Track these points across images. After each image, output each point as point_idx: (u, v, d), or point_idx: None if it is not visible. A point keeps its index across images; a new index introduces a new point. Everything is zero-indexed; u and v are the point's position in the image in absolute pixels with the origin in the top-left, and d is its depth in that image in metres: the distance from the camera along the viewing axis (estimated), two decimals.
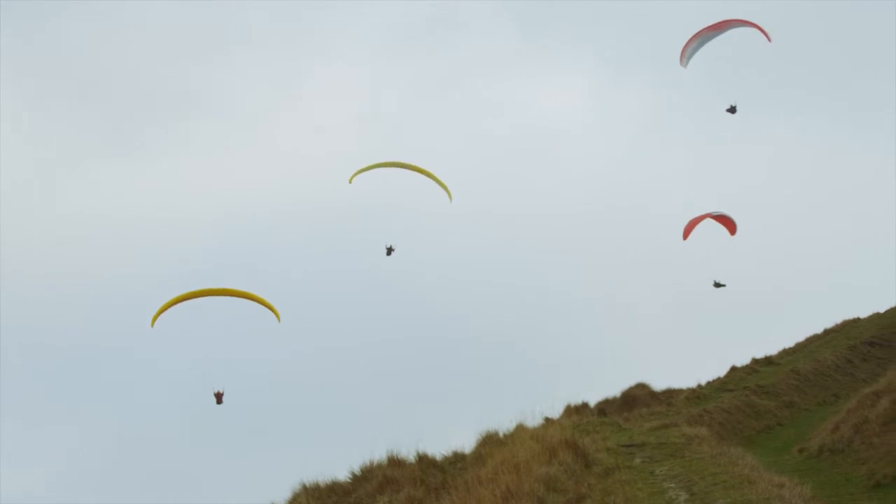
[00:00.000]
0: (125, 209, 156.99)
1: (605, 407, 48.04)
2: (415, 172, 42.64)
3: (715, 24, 39.89)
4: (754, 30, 39.53)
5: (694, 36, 40.49)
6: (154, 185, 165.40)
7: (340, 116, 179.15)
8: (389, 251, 45.71)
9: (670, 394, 50.70)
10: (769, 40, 38.74)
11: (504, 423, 32.80)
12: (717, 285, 48.53)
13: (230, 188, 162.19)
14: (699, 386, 50.18)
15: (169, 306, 35.43)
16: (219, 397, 37.86)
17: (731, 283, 50.08)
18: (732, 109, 43.06)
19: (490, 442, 31.48)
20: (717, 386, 49.19)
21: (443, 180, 42.78)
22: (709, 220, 46.26)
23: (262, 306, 36.64)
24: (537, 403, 38.12)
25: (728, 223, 45.76)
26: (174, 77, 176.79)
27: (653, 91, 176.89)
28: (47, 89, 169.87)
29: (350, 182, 42.33)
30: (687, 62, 40.91)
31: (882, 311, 59.29)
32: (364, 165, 42.28)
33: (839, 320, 60.44)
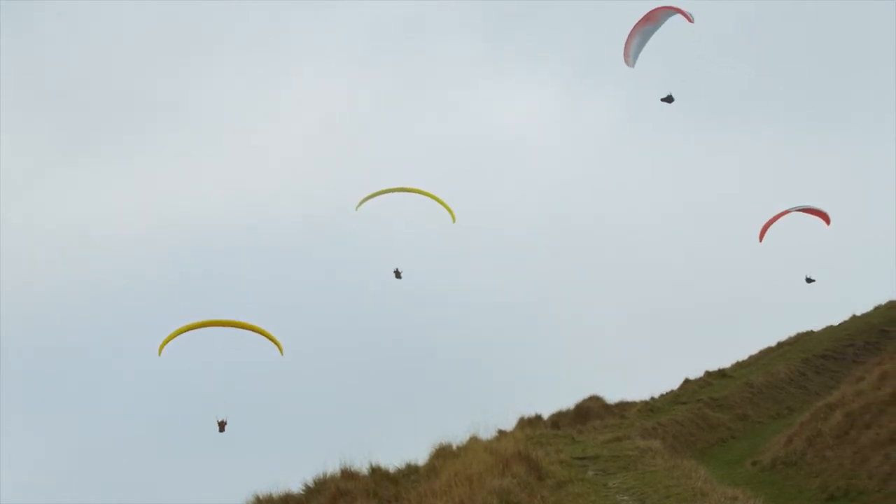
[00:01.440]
0: (90, 216, 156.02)
1: (559, 419, 47.91)
2: (418, 195, 42.87)
3: (645, 17, 39.61)
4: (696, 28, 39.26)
5: (631, 33, 40.17)
6: (121, 192, 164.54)
7: (309, 123, 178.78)
8: (398, 274, 45.98)
9: (624, 406, 50.63)
10: (691, 21, 38.45)
11: (457, 436, 32.64)
12: (809, 280, 48.35)
13: (198, 196, 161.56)
14: (652, 398, 50.14)
15: (176, 335, 35.51)
16: (222, 426, 37.62)
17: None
18: (668, 99, 42.60)
19: (443, 454, 31.32)
20: (670, 398, 49.17)
21: (445, 201, 43.01)
22: (791, 216, 45.65)
23: (266, 339, 36.78)
24: (491, 416, 37.92)
25: (820, 214, 45.29)
26: (143, 84, 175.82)
27: (619, 100, 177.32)
28: (11, 96, 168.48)
29: (357, 210, 43.03)
30: (634, 61, 40.63)
31: (835, 324, 59.47)
32: (368, 193, 42.78)
33: (793, 333, 60.55)
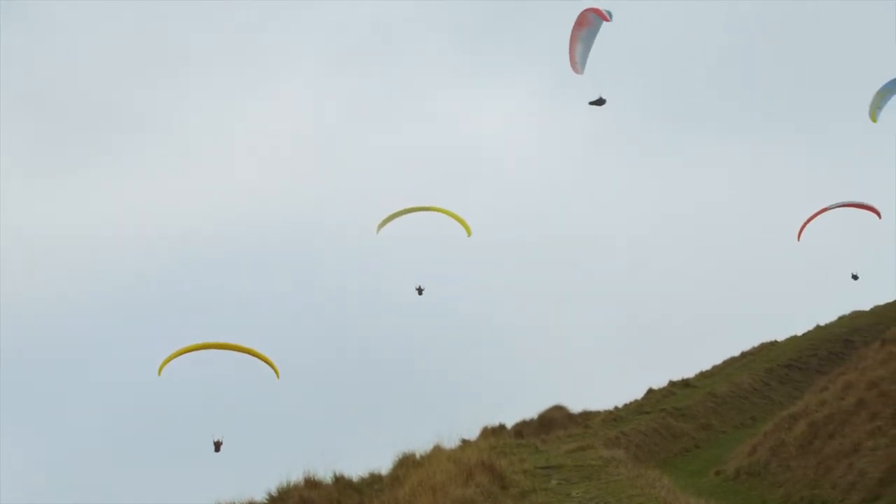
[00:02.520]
0: (62, 228, 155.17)
1: (522, 429, 47.87)
2: (434, 212, 43.22)
3: (577, 21, 39.34)
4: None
5: (571, 39, 39.82)
6: (93, 203, 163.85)
7: (281, 135, 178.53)
8: (420, 291, 46.23)
9: (587, 416, 50.63)
10: (608, 20, 38.29)
11: (421, 445, 32.53)
12: (854, 277, 48.27)
13: (170, 208, 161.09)
14: (616, 408, 50.13)
15: (176, 356, 35.63)
16: (217, 446, 37.48)
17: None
18: (599, 101, 42.15)
19: (407, 463, 31.23)
20: (633, 408, 49.15)
21: (460, 216, 43.33)
22: (831, 213, 45.33)
23: (263, 362, 36.88)
24: (454, 425, 37.81)
25: (869, 208, 45.07)
26: (117, 95, 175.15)
27: (595, 109, 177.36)
28: None
29: (377, 232, 43.80)
30: (581, 67, 40.36)
31: (799, 334, 59.62)
32: (386, 215, 43.47)
33: (756, 343, 60.65)
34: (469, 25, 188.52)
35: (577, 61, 39.62)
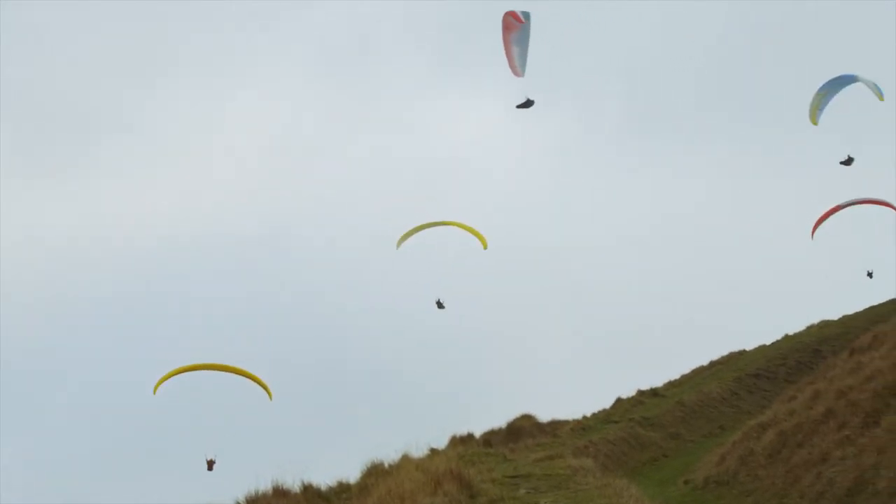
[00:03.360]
0: (42, 230, 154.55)
1: (491, 438, 47.75)
2: (451, 227, 43.62)
3: (504, 26, 39.83)
4: None
5: (505, 44, 40.24)
6: (68, 208, 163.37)
7: (259, 142, 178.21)
8: (440, 305, 46.46)
9: (556, 425, 50.59)
10: (522, 22, 38.84)
11: (389, 454, 32.47)
12: (869, 275, 48.14)
13: (149, 212, 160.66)
14: (585, 417, 50.07)
15: (171, 376, 35.85)
16: (210, 464, 37.39)
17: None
18: (526, 104, 42.51)
19: (375, 472, 31.18)
20: (602, 418, 49.10)
21: (476, 229, 43.73)
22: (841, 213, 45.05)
23: (256, 384, 37.07)
24: (423, 434, 37.69)
25: (887, 205, 44.82)
26: (94, 100, 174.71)
27: (571, 118, 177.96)
28: None
29: (398, 248, 44.16)
30: (522, 70, 40.65)
31: (768, 343, 59.68)
32: (406, 231, 44.00)
33: (725, 352, 60.70)
34: (447, 34, 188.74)
35: (517, 64, 39.99)
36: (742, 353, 59.74)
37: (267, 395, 37.02)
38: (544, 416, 52.96)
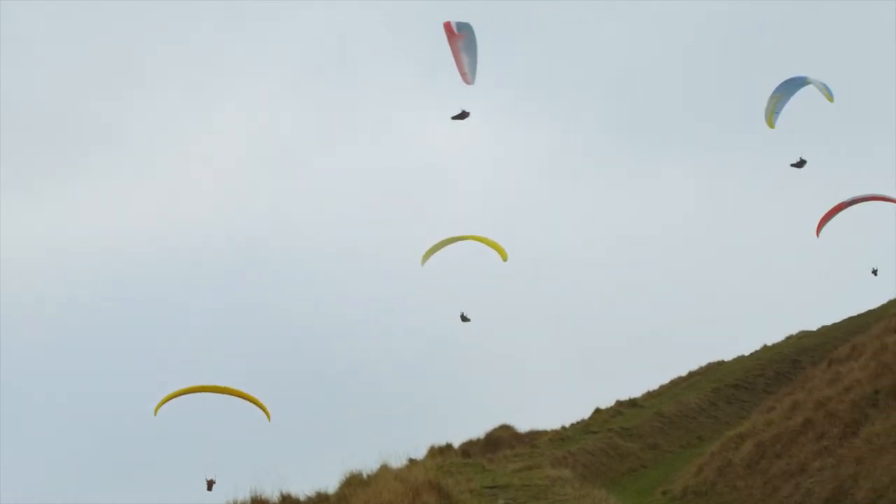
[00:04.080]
0: (23, 241, 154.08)
1: (469, 448, 47.68)
2: (473, 241, 44.14)
3: (448, 37, 40.32)
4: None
5: (453, 52, 40.62)
6: (52, 218, 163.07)
7: (238, 151, 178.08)
8: (464, 318, 46.75)
9: (534, 435, 50.50)
10: (454, 34, 39.39)
11: (368, 464, 32.37)
12: (874, 272, 48.02)
13: (130, 222, 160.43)
14: (563, 428, 49.96)
15: (171, 398, 36.06)
16: (210, 484, 37.35)
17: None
18: (461, 115, 43.09)
19: (354, 482, 31.08)
20: (581, 428, 49.02)
21: (497, 243, 44.14)
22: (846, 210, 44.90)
23: (255, 406, 37.23)
24: (401, 444, 37.63)
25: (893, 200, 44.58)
26: (75, 108, 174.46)
27: (552, 129, 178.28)
28: None
29: (423, 264, 44.38)
30: (472, 77, 41.11)
31: (746, 353, 59.73)
32: (430, 247, 44.32)
33: (704, 363, 60.69)
34: (429, 42, 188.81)
35: (467, 71, 40.37)
36: (720, 363, 59.74)
37: (266, 417, 37.12)
38: (523, 426, 52.92)
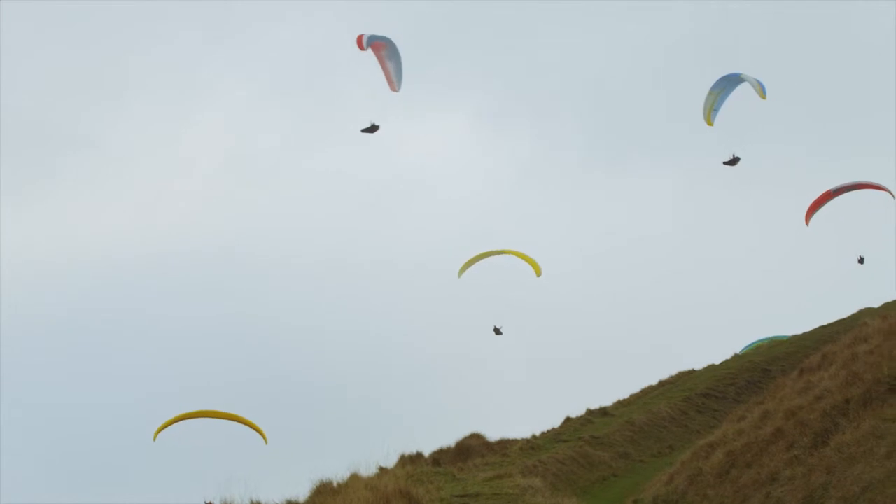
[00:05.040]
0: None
1: (440, 457, 47.63)
2: (508, 255, 44.77)
3: (371, 48, 41.34)
4: None
5: (380, 62, 41.68)
6: (28, 225, 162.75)
7: (217, 160, 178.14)
8: (497, 331, 47.18)
9: (505, 444, 50.42)
10: (362, 48, 40.42)
11: (338, 472, 32.26)
12: (860, 261, 47.95)
13: (107, 230, 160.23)
14: (534, 436, 49.91)
15: (170, 423, 36.31)
16: None
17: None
18: (371, 129, 44.04)
19: (324, 491, 30.99)
20: (551, 436, 49.00)
21: (531, 258, 44.76)
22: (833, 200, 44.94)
23: (252, 429, 37.45)
24: (371, 452, 37.48)
25: (882, 188, 44.56)
26: (54, 118, 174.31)
27: (531, 138, 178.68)
28: None
29: (459, 276, 45.72)
30: (398, 86, 42.06)
31: (717, 363, 59.80)
32: (466, 260, 45.81)
33: (674, 372, 60.74)
34: (408, 50, 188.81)
35: (393, 79, 41.41)
36: (691, 372, 59.80)
37: (263, 440, 37.28)
38: (493, 434, 52.86)
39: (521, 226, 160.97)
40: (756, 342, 55.50)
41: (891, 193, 44.21)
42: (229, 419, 36.63)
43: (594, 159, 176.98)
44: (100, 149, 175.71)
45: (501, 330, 47.29)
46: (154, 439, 36.63)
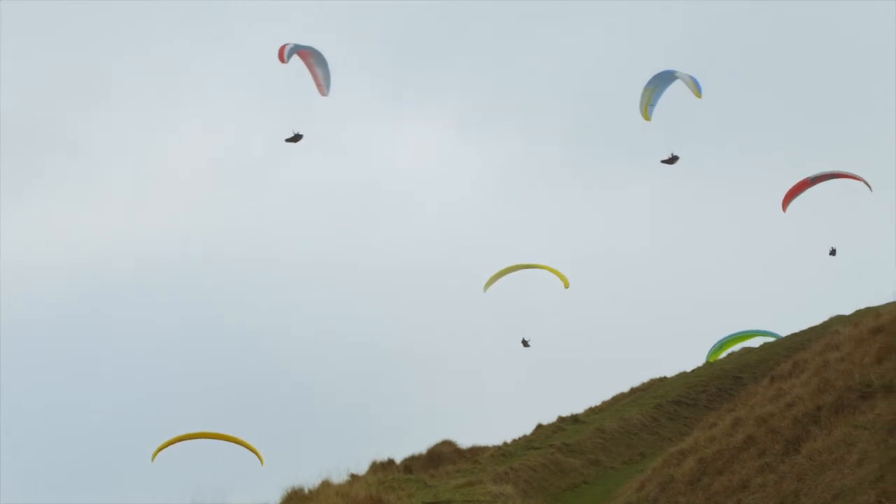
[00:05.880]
0: None
1: (411, 464, 47.55)
2: (536, 269, 45.34)
3: (299, 56, 42.98)
4: None
5: (308, 69, 43.10)
6: (10, 229, 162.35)
7: (202, 165, 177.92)
8: (525, 343, 47.54)
9: (476, 451, 50.38)
10: (283, 62, 42.24)
11: (309, 479, 32.23)
12: (832, 253, 47.97)
13: (90, 234, 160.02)
14: (505, 443, 49.93)
15: (169, 444, 36.54)
16: None
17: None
18: (294, 138, 45.13)
19: (295, 498, 30.98)
20: (522, 443, 48.97)
21: (559, 270, 45.45)
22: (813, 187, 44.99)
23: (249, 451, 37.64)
24: (343, 459, 37.43)
25: (858, 178, 44.61)
26: (40, 121, 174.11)
27: (514, 143, 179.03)
28: None
29: (485, 291, 46.47)
30: (327, 90, 43.32)
31: (689, 370, 59.87)
32: (492, 274, 46.52)
33: (646, 379, 60.82)
34: (386, 60, 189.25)
35: (322, 84, 42.74)
36: (663, 379, 59.88)
37: (259, 461, 37.38)
38: (465, 441, 52.87)
39: (503, 232, 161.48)
40: (726, 338, 55.42)
41: (867, 184, 44.38)
42: (227, 440, 36.81)
43: (576, 166, 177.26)
44: (83, 153, 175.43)
45: (529, 342, 47.53)
46: (152, 460, 36.82)
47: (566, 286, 44.98)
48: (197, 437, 36.80)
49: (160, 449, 36.72)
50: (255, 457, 37.89)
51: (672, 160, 47.41)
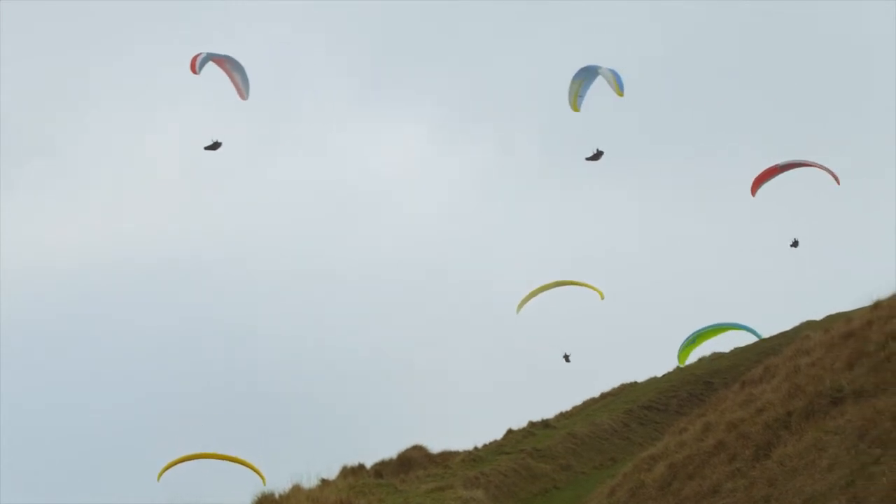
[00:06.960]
0: None
1: (382, 469, 47.42)
2: (569, 285, 45.92)
3: (219, 61, 43.61)
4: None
5: (227, 74, 43.90)
6: None
7: (179, 168, 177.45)
8: (567, 358, 47.89)
9: (447, 456, 50.29)
10: (195, 73, 42.92)
11: (280, 484, 32.17)
12: (794, 244, 47.97)
13: (69, 236, 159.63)
14: (476, 448, 49.84)
15: (174, 465, 36.68)
16: None
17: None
18: (213, 146, 46.31)
19: (266, 502, 30.84)
20: (493, 448, 48.93)
21: (591, 284, 46.15)
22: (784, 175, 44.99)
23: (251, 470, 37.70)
24: (313, 464, 37.33)
25: (827, 170, 44.57)
26: (19, 123, 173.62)
27: (487, 146, 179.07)
28: None
29: (518, 312, 46.80)
30: (246, 94, 44.34)
31: (659, 375, 59.92)
32: (525, 295, 46.78)
33: (617, 384, 60.82)
34: (368, 61, 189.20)
35: (241, 88, 45.34)
36: (633, 384, 59.93)
37: (261, 480, 37.43)
38: (435, 446, 52.70)
39: (481, 234, 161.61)
40: (695, 333, 55.45)
41: (834, 177, 44.47)
42: (230, 461, 36.88)
43: (552, 169, 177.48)
44: (60, 156, 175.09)
45: (570, 358, 47.75)
46: (158, 480, 36.96)
47: (602, 297, 45.52)
48: (202, 458, 36.89)
49: (166, 468, 36.86)
50: (260, 478, 38.04)
51: (597, 156, 47.50)
